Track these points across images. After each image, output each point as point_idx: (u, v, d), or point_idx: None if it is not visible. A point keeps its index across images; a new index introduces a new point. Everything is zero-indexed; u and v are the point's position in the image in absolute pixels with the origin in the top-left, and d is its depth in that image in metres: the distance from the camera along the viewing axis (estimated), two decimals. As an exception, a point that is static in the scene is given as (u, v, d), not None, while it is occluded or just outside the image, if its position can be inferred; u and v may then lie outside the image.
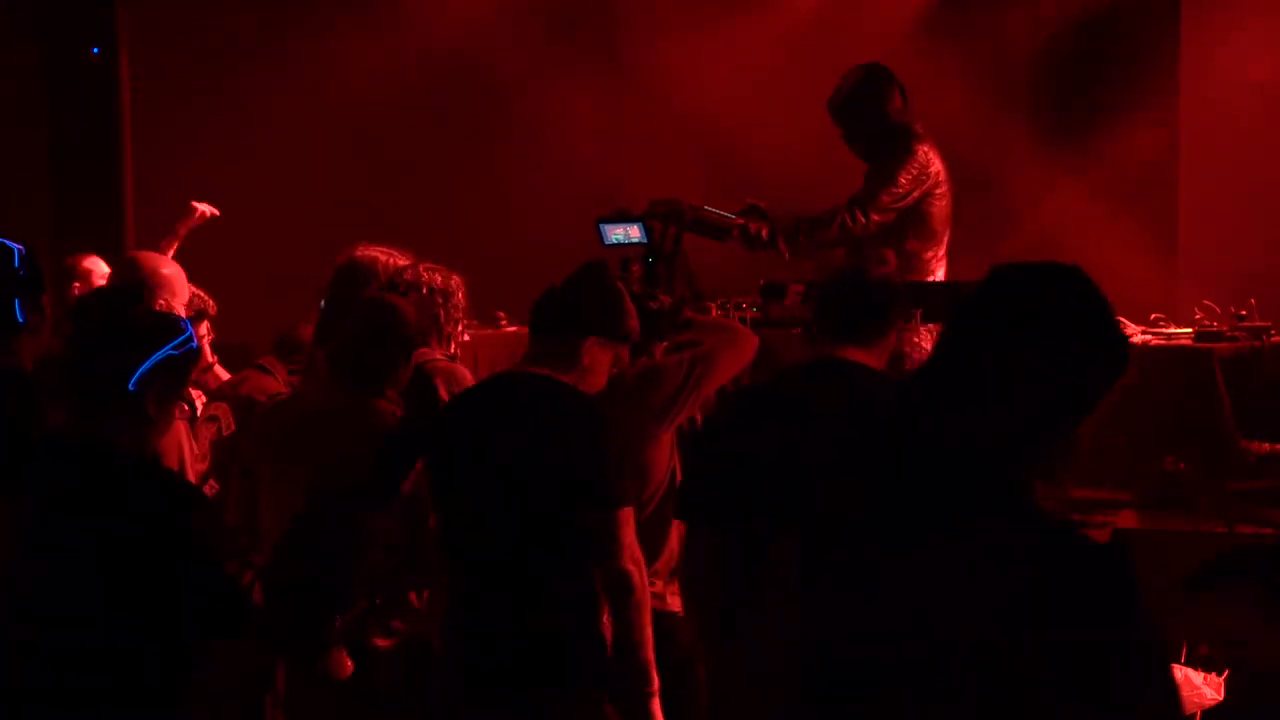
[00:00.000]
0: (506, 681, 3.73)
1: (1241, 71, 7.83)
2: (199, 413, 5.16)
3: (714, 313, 5.83)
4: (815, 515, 2.23)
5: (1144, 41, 8.37)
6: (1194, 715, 4.68)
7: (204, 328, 5.72)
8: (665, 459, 4.41)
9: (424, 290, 4.85)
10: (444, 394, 4.40)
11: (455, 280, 4.91)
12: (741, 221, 6.24)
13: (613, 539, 3.70)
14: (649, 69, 8.69)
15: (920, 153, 6.27)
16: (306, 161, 8.76)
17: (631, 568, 3.72)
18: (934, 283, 6.26)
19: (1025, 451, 2.11)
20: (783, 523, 2.34)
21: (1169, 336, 6.48)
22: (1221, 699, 4.70)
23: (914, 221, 6.29)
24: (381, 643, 4.15)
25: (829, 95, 6.46)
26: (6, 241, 3.53)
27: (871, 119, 6.36)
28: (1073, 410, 2.14)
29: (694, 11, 8.76)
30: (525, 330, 7.09)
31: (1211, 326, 6.38)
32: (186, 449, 4.60)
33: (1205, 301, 6.55)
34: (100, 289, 3.63)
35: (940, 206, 6.34)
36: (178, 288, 5.26)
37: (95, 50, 9.13)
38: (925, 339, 5.87)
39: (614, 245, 5.72)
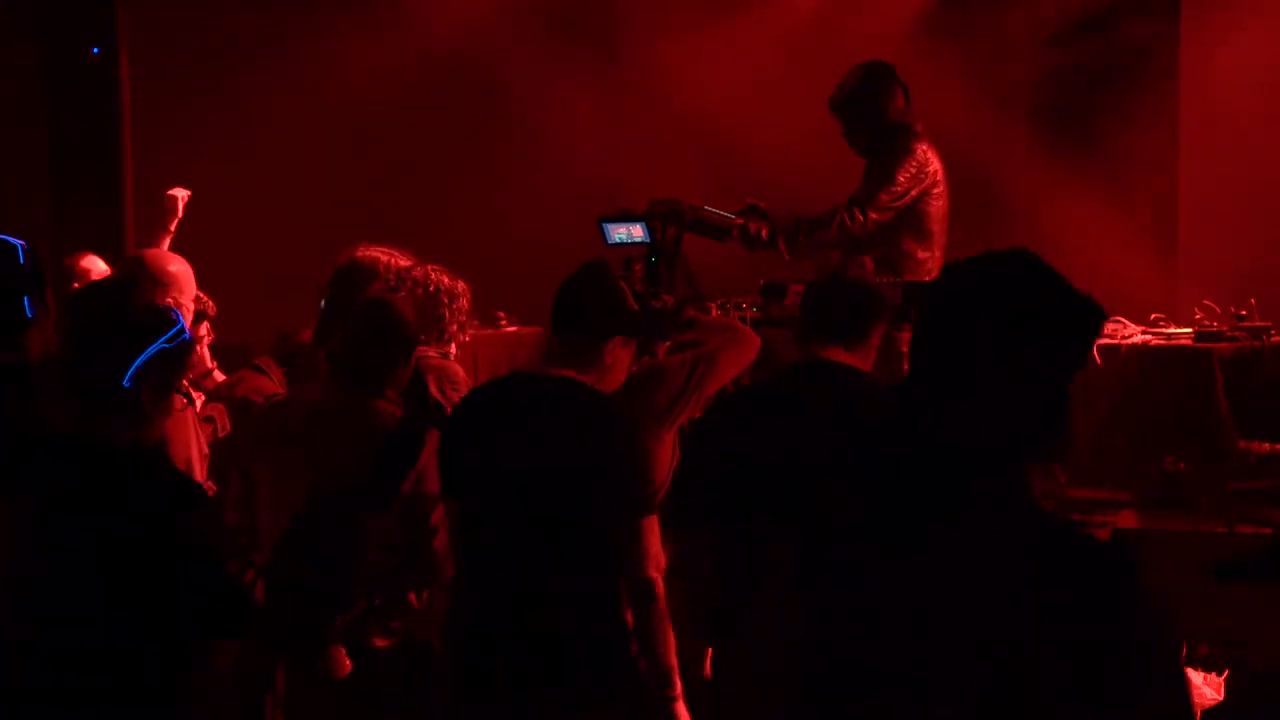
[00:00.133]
0: (526, 684, 3.75)
1: (1241, 71, 7.84)
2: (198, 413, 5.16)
3: (714, 313, 5.83)
4: (813, 515, 2.23)
5: (1144, 41, 8.37)
6: (1195, 715, 4.68)
7: (203, 328, 5.71)
8: (668, 459, 4.41)
9: (431, 289, 4.86)
10: (434, 391, 4.41)
11: (462, 285, 4.95)
12: (741, 221, 6.24)
13: (637, 546, 3.72)
14: (649, 69, 8.70)
15: (919, 151, 6.27)
16: (306, 161, 8.76)
17: (655, 575, 3.73)
18: (931, 283, 6.26)
19: (1016, 435, 2.11)
20: (781, 523, 2.35)
21: (1169, 336, 6.49)
22: (1221, 699, 4.71)
23: (911, 221, 6.29)
24: (381, 643, 4.15)
25: (831, 92, 6.46)
26: (8, 238, 3.53)
27: (872, 117, 6.36)
28: (1047, 383, 2.13)
29: (694, 11, 8.77)
30: (525, 330, 7.10)
31: (1211, 326, 6.39)
32: (195, 448, 4.59)
33: (1205, 301, 6.55)
34: (89, 285, 3.63)
35: (938, 206, 6.34)
36: (185, 284, 5.25)
37: (95, 50, 9.13)
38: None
39: (617, 245, 5.72)
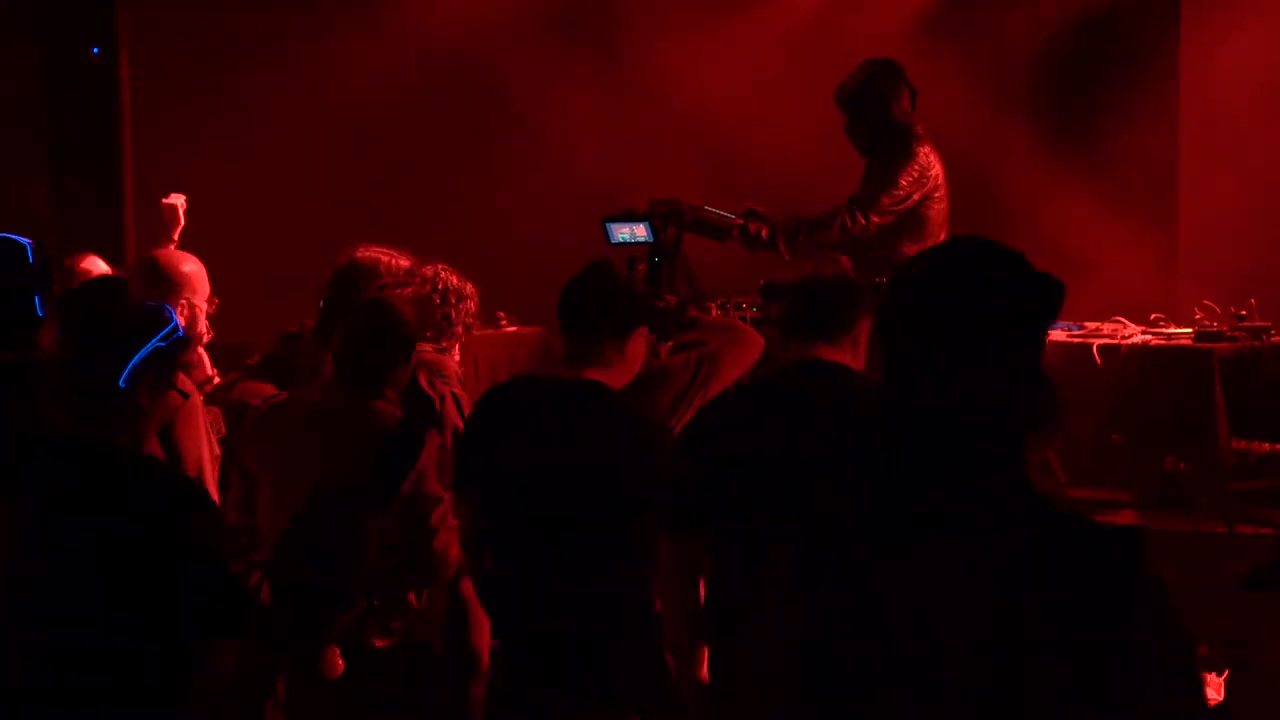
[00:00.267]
0: (559, 687, 3.79)
1: (1241, 71, 7.83)
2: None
3: (714, 312, 5.84)
4: (813, 515, 2.23)
5: (1144, 41, 8.37)
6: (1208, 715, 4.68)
7: (203, 326, 5.70)
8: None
9: (439, 287, 4.88)
10: (425, 385, 4.44)
11: (470, 288, 4.98)
12: (741, 221, 6.25)
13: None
14: (649, 69, 8.69)
15: (921, 154, 6.27)
16: (306, 161, 8.75)
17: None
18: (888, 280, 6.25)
19: (1003, 416, 2.10)
20: (781, 523, 2.34)
21: (1169, 336, 6.49)
22: (1221, 699, 4.71)
23: (912, 224, 6.29)
24: (381, 643, 4.15)
25: (834, 89, 6.45)
26: (15, 237, 3.54)
27: (875, 114, 6.36)
28: (1015, 358, 2.11)
29: (694, 11, 8.77)
30: (525, 330, 7.10)
31: (1211, 326, 6.39)
32: (207, 449, 4.58)
33: (1205, 301, 6.55)
34: (80, 286, 3.64)
35: (939, 209, 6.34)
36: (199, 285, 5.23)
37: (95, 50, 9.12)
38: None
39: (620, 244, 5.73)
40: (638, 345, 4.04)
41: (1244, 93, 7.86)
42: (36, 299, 3.47)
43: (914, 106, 6.39)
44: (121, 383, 3.01)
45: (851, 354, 3.94)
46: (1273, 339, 6.31)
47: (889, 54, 6.60)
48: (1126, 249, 7.60)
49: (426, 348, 4.68)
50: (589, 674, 3.84)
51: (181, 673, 2.99)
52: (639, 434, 3.87)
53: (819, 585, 2.14)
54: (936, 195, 6.32)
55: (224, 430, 4.96)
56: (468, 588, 4.78)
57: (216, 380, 5.91)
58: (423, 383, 4.46)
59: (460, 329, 5.14)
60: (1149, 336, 6.49)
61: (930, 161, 6.30)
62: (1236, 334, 6.27)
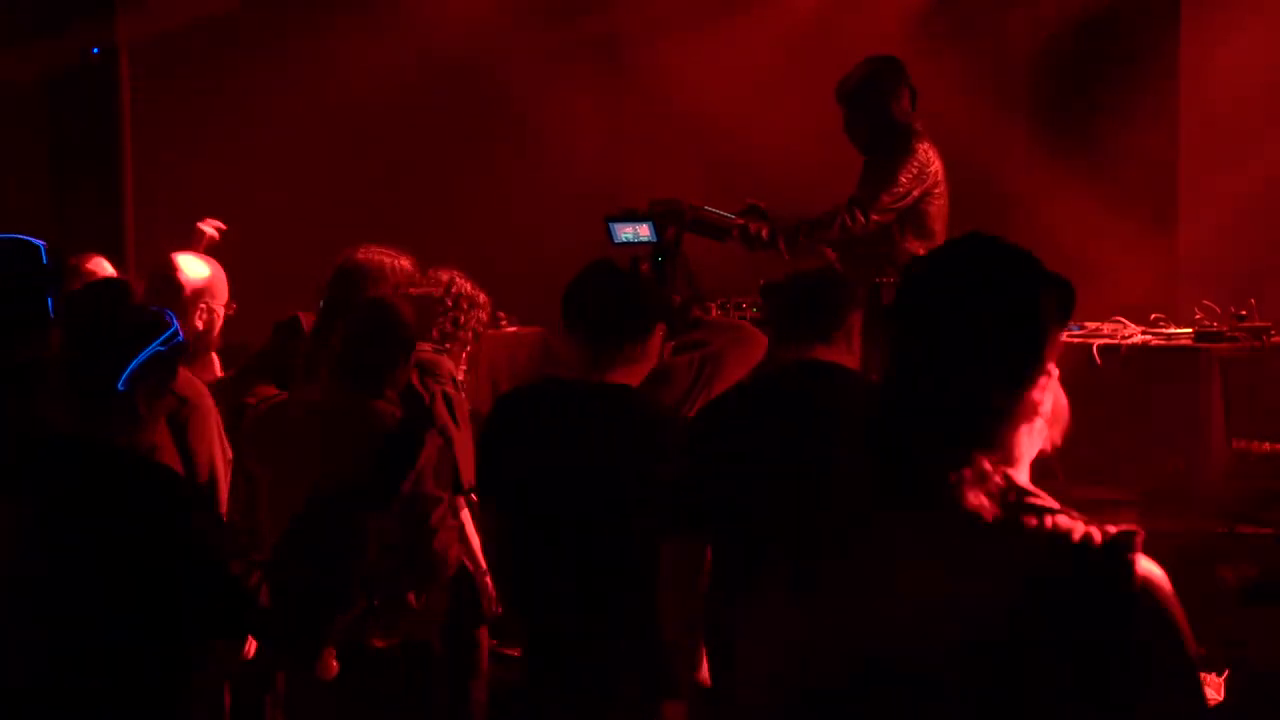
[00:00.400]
0: (584, 691, 3.82)
1: (1241, 71, 7.83)
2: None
3: (714, 312, 5.85)
4: (812, 515, 2.23)
5: (1144, 41, 8.37)
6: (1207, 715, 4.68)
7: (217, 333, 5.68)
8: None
9: (453, 291, 4.90)
10: (416, 384, 4.45)
11: (484, 297, 5.00)
12: (741, 221, 6.25)
13: None
14: (649, 69, 8.69)
15: (920, 151, 6.27)
16: (306, 161, 8.75)
17: None
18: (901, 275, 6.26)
19: (1007, 418, 2.10)
20: (781, 523, 2.34)
21: (1169, 336, 6.48)
22: (1221, 699, 4.71)
23: (912, 221, 6.29)
24: (381, 643, 4.15)
25: (840, 78, 6.45)
26: (29, 239, 3.55)
27: (875, 112, 6.36)
28: (1027, 358, 2.11)
29: (694, 11, 8.76)
30: (525, 330, 7.10)
31: (1211, 326, 6.38)
32: (219, 451, 4.58)
33: (1205, 301, 6.55)
34: (83, 287, 3.65)
35: (938, 206, 6.35)
36: (219, 290, 5.20)
37: (95, 50, 9.12)
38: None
39: (623, 244, 5.74)
40: (656, 342, 4.08)
41: (1244, 93, 7.85)
42: (49, 300, 3.48)
43: (914, 107, 6.39)
44: (120, 385, 3.02)
45: (847, 349, 3.94)
46: (1273, 339, 6.30)
47: (889, 54, 6.60)
48: (1126, 249, 7.59)
49: (425, 347, 4.68)
50: (616, 674, 3.87)
51: (181, 673, 2.99)
52: (669, 438, 3.90)
53: (818, 585, 2.14)
54: (936, 191, 6.33)
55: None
56: (468, 588, 4.79)
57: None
58: (414, 380, 4.47)
59: (469, 335, 5.16)
60: (1149, 336, 6.49)
61: (929, 158, 6.30)
62: (1236, 334, 6.27)
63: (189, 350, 4.97)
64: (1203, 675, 4.61)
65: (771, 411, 3.86)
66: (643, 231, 5.74)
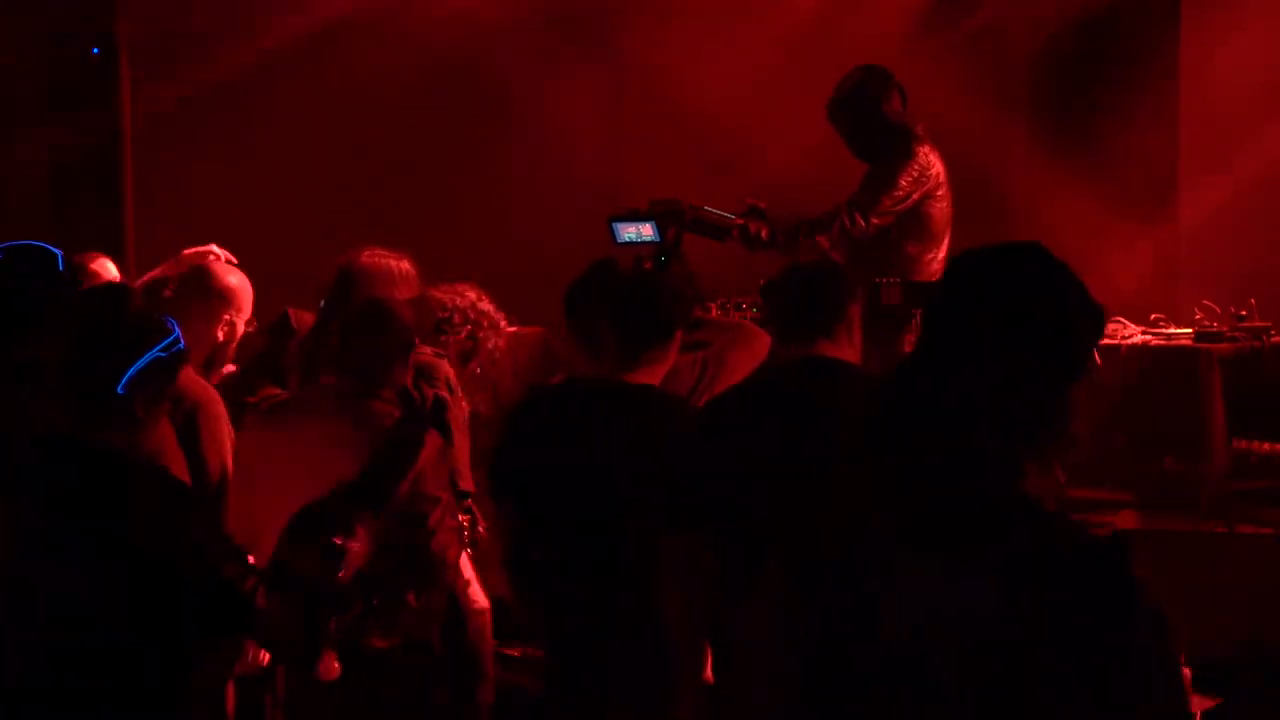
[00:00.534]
0: (601, 695, 3.83)
1: (1241, 71, 7.83)
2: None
3: (714, 312, 5.85)
4: (812, 515, 2.23)
5: (1144, 41, 8.37)
6: (1193, 715, 4.68)
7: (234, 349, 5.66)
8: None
9: (472, 314, 4.91)
10: (408, 382, 4.46)
11: (504, 323, 5.03)
12: (741, 221, 6.24)
13: None
14: (649, 69, 8.69)
15: (920, 154, 6.27)
16: (306, 162, 8.74)
17: None
18: (934, 283, 6.27)
19: (1014, 433, 2.10)
20: (782, 523, 2.35)
21: (1169, 336, 6.49)
22: (1222, 699, 4.70)
23: (914, 223, 6.29)
24: (380, 643, 4.15)
25: (829, 97, 6.46)
26: (46, 246, 3.57)
27: (869, 120, 6.36)
28: (1049, 381, 2.12)
29: (694, 11, 8.76)
30: (525, 330, 7.12)
31: (1211, 326, 6.39)
32: (230, 452, 4.57)
33: (1205, 301, 6.55)
34: (87, 290, 3.67)
35: (940, 208, 6.34)
36: (244, 303, 5.11)
37: (95, 50, 9.12)
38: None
39: (626, 244, 5.74)
40: (678, 342, 4.08)
41: (1244, 93, 7.86)
42: (60, 306, 3.50)
43: (905, 106, 6.39)
44: (120, 388, 3.02)
45: (848, 343, 3.92)
46: (1273, 339, 6.31)
47: (889, 54, 6.62)
48: (1126, 249, 7.59)
49: (425, 350, 4.68)
50: (627, 674, 3.87)
51: (181, 673, 3.00)
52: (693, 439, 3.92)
53: (818, 586, 2.14)
54: (938, 194, 6.32)
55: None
56: (465, 588, 4.79)
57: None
58: (407, 381, 4.47)
59: (486, 358, 5.17)
60: (1149, 336, 6.49)
61: (930, 161, 6.30)
62: (1236, 334, 6.28)
63: (215, 361, 4.98)
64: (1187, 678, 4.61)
65: (772, 411, 3.86)
66: (646, 231, 5.74)
